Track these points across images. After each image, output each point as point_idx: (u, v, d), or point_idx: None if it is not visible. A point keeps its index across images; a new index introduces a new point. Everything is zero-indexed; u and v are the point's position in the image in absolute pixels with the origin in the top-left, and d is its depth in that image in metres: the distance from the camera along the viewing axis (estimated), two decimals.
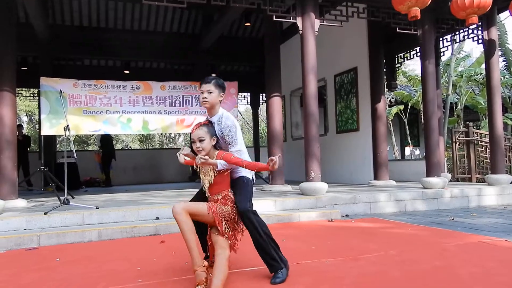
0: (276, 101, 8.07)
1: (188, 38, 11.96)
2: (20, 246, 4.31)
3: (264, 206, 5.80)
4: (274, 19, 6.67)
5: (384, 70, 9.78)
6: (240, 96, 15.48)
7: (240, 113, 17.65)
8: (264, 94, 14.21)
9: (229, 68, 14.86)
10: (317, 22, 6.75)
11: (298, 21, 6.73)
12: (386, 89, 10.17)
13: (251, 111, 16.92)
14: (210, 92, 3.00)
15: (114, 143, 12.68)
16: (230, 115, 3.10)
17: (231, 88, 8.71)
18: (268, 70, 8.36)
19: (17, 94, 8.16)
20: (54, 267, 3.47)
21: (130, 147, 28.16)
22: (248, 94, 15.89)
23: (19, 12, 9.50)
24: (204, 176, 2.98)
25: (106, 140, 12.39)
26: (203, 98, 3.01)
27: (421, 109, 9.97)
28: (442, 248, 3.74)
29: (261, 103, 15.67)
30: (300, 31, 6.75)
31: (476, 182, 9.55)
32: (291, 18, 6.76)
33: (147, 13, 11.27)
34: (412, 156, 16.44)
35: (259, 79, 12.64)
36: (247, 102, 16.34)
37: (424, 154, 7.62)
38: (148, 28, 11.77)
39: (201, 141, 2.92)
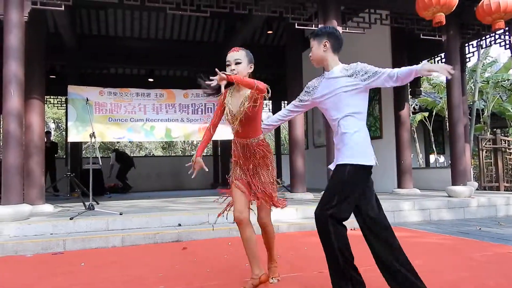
0: None
1: (211, 46, 12.08)
2: (46, 251, 4.42)
3: (286, 214, 5.79)
4: (296, 27, 6.69)
5: None
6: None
7: (262, 120, 17.64)
8: (286, 102, 14.22)
9: (251, 76, 14.90)
10: (339, 30, 6.72)
11: None
12: (410, 96, 10.03)
13: None
14: (312, 47, 2.52)
15: (130, 154, 13.18)
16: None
17: None
18: (289, 78, 8.38)
19: (45, 102, 8.41)
20: (79, 271, 3.54)
21: (153, 154, 28.55)
22: (270, 101, 15.92)
23: (48, 21, 9.82)
24: (232, 118, 2.68)
25: (120, 155, 12.79)
26: (310, 57, 2.53)
27: (446, 116, 9.78)
28: (468, 258, 3.65)
29: None
30: None
31: (504, 190, 9.29)
32: (313, 25, 6.75)
33: (171, 22, 11.46)
34: (437, 164, 16.11)
35: (280, 86, 12.68)
36: (269, 109, 16.38)
37: (450, 162, 7.46)
38: (172, 36, 11.97)
39: (237, 63, 2.62)
